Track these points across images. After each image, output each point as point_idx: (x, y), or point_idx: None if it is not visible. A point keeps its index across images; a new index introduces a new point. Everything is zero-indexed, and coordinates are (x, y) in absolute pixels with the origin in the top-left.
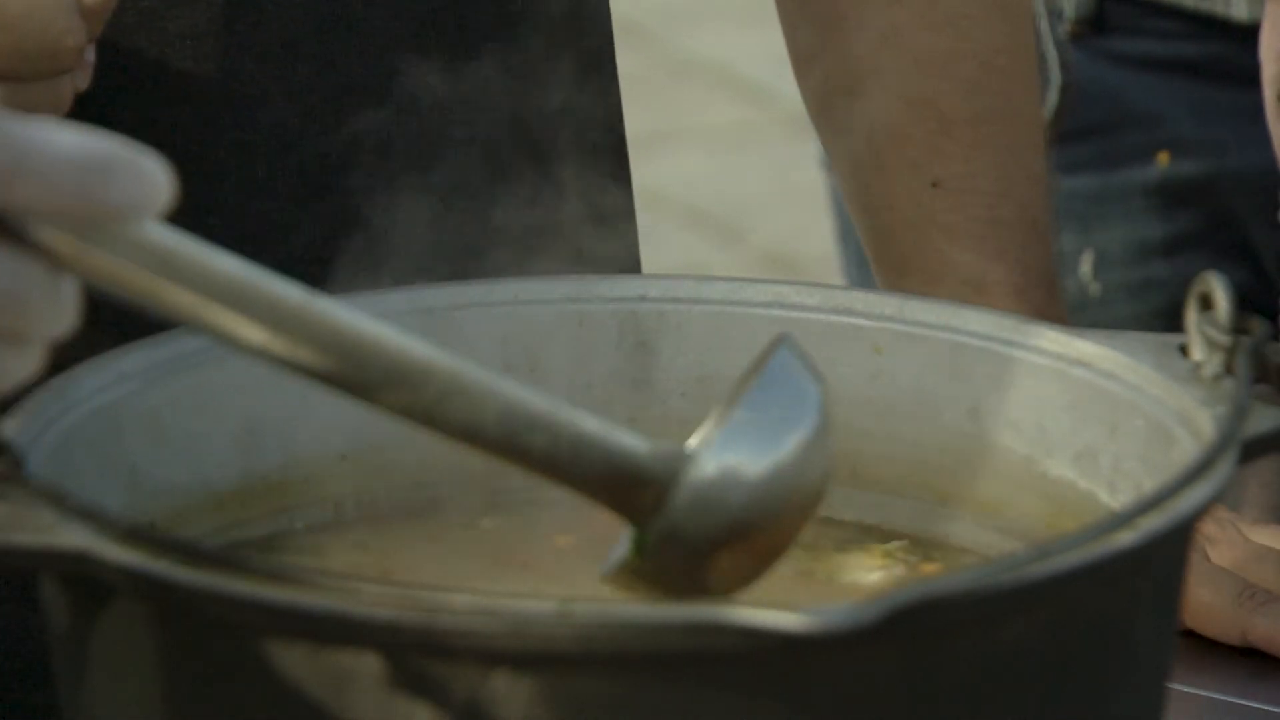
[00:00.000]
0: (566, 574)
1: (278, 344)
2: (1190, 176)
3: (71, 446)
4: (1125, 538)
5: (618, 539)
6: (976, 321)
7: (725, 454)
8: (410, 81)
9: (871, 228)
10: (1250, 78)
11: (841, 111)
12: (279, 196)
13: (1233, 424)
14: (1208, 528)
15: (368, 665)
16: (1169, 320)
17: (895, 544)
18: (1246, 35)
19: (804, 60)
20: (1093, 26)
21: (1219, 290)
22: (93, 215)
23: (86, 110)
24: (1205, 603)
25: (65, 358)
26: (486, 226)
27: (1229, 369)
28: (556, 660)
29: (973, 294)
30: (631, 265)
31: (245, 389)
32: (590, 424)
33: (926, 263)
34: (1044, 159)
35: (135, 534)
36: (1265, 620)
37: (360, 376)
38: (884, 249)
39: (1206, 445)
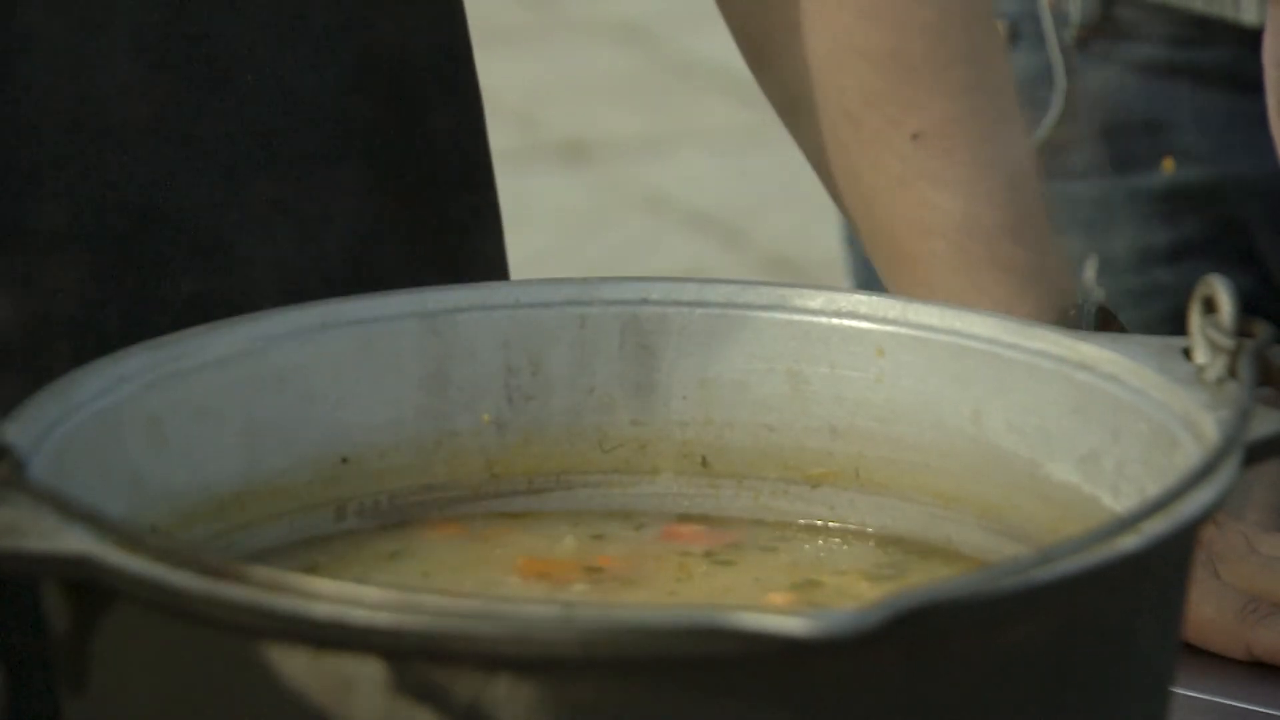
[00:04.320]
0: None
1: None
2: (1195, 183)
3: (72, 451)
4: (1129, 542)
5: (614, 539)
6: (979, 325)
7: None
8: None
9: (856, 194)
10: (1257, 83)
11: (810, 86)
12: None
13: (1236, 427)
14: (1215, 544)
15: (370, 670)
16: (1174, 326)
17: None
18: (1255, 40)
19: (758, 47)
20: (1099, 31)
21: (1222, 293)
22: None
23: None
24: (1208, 619)
25: (67, 361)
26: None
27: (1233, 372)
28: (559, 665)
29: (966, 240)
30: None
31: (246, 392)
32: None
33: (916, 216)
34: (1016, 98)
35: (137, 539)
36: (1270, 633)
37: None
38: (870, 214)
39: (1210, 449)
